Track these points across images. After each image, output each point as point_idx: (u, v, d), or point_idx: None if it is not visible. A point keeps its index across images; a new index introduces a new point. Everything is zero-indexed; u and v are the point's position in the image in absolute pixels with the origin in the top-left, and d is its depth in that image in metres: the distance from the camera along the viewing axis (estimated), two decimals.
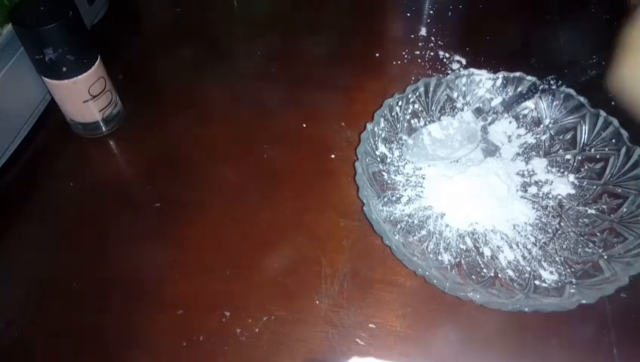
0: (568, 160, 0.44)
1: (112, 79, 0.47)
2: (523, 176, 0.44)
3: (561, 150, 0.45)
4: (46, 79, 0.44)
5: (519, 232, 0.41)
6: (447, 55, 0.55)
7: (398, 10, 0.62)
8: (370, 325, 0.37)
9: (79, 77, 0.43)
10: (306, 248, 0.41)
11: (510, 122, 0.47)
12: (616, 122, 0.41)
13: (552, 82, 0.43)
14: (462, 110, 0.47)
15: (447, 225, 0.41)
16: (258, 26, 0.62)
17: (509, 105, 0.45)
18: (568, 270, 0.38)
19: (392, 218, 0.41)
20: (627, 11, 0.36)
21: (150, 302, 0.38)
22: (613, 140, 0.41)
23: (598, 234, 0.39)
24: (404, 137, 0.45)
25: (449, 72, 0.54)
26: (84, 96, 0.45)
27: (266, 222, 0.43)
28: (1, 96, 0.43)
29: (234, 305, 0.38)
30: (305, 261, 0.40)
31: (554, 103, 0.45)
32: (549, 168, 0.44)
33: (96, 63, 0.44)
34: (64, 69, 0.42)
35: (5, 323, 0.37)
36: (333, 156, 0.47)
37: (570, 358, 0.36)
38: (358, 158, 0.40)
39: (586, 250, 0.38)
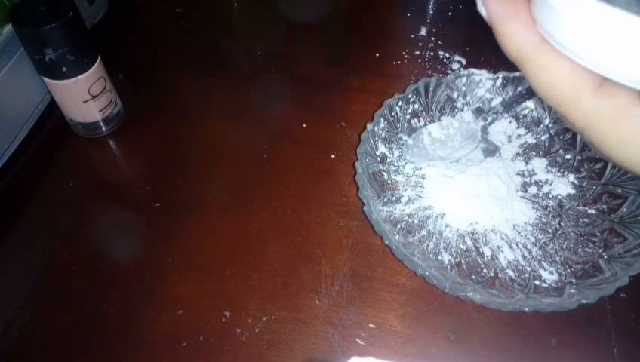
0: (568, 160, 0.44)
1: (112, 79, 0.47)
2: (523, 176, 0.44)
3: (561, 150, 0.45)
4: (46, 79, 0.44)
5: (519, 232, 0.41)
6: (447, 55, 0.55)
7: (398, 10, 0.62)
8: (370, 325, 0.37)
9: (79, 77, 0.43)
10: (306, 248, 0.41)
11: (510, 122, 0.47)
12: None
13: None
14: (462, 110, 0.47)
15: (447, 225, 0.41)
16: (258, 26, 0.62)
17: (509, 105, 0.45)
18: (568, 270, 0.38)
19: (392, 218, 0.41)
20: None
21: (150, 302, 0.38)
22: None
23: (598, 234, 0.39)
24: (404, 137, 0.45)
25: (449, 72, 0.54)
26: (84, 96, 0.45)
27: (266, 222, 0.43)
28: (1, 96, 0.43)
29: (234, 305, 0.38)
30: (305, 261, 0.40)
31: None
32: (549, 168, 0.44)
33: (96, 63, 0.44)
34: (64, 69, 0.42)
35: (5, 323, 0.37)
36: (333, 156, 0.47)
37: (570, 358, 0.36)
38: (358, 158, 0.40)
39: (586, 250, 0.38)
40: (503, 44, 0.19)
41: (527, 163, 0.45)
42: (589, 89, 0.17)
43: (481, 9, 0.20)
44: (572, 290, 0.35)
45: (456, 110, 0.47)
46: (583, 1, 0.16)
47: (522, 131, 0.46)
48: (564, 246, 0.39)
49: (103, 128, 0.48)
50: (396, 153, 0.45)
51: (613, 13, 0.15)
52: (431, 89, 0.46)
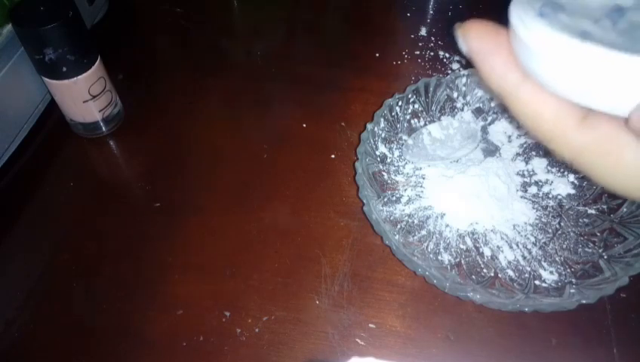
0: None
1: (112, 79, 0.47)
2: (523, 176, 0.44)
3: None
4: (46, 79, 0.44)
5: (519, 232, 0.41)
6: (447, 55, 0.55)
7: (398, 10, 0.62)
8: (370, 325, 0.37)
9: (79, 77, 0.43)
10: (306, 248, 0.41)
11: (510, 122, 0.47)
12: None
13: None
14: (462, 110, 0.47)
15: (447, 225, 0.41)
16: (258, 26, 0.62)
17: None
18: (568, 270, 0.38)
19: (392, 218, 0.41)
20: None
21: (150, 302, 0.38)
22: None
23: (598, 234, 0.39)
24: (404, 137, 0.45)
25: (449, 72, 0.54)
26: (84, 96, 0.45)
27: (266, 222, 0.43)
28: (1, 96, 0.43)
29: (234, 305, 0.38)
30: (305, 261, 0.40)
31: None
32: (549, 168, 0.44)
33: (96, 63, 0.44)
34: (64, 69, 0.42)
35: (5, 323, 0.37)
36: (333, 156, 0.47)
37: (570, 358, 0.36)
38: (358, 158, 0.40)
39: (586, 250, 0.38)
40: (485, 80, 0.19)
41: (527, 163, 0.45)
42: (573, 123, 0.17)
43: (462, 45, 0.20)
44: (572, 290, 0.35)
45: (456, 110, 0.47)
46: (557, 39, 0.16)
47: (522, 131, 0.46)
48: (564, 246, 0.39)
49: (103, 128, 0.48)
50: (396, 153, 0.45)
51: (588, 49, 0.15)
52: (431, 89, 0.46)
